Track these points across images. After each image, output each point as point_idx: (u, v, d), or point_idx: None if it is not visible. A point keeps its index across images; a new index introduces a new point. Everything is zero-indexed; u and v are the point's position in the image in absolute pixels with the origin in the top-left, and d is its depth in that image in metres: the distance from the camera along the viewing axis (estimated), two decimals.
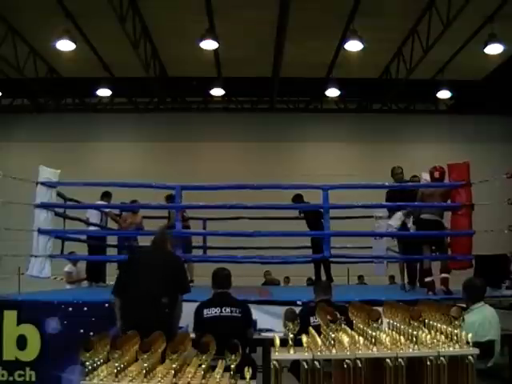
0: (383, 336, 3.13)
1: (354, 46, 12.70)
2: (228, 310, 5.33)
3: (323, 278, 8.95)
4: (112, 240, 10.41)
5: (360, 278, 14.07)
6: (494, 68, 15.43)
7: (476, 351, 3.05)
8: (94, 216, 9.90)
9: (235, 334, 4.99)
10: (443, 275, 7.43)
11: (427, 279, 7.45)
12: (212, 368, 3.18)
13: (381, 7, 12.24)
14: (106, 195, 9.96)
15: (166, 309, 4.87)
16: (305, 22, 12.72)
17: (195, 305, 5.54)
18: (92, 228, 9.84)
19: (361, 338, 3.12)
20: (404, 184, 8.45)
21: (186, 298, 6.23)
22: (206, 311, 5.35)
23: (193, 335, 4.94)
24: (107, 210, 10.14)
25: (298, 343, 3.12)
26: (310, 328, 3.60)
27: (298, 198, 9.40)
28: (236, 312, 5.35)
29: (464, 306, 5.13)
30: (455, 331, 3.10)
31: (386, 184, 8.80)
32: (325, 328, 3.27)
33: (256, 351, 5.62)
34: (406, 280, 8.62)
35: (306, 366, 2.96)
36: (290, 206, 9.27)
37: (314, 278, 10.13)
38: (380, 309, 3.60)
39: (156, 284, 4.88)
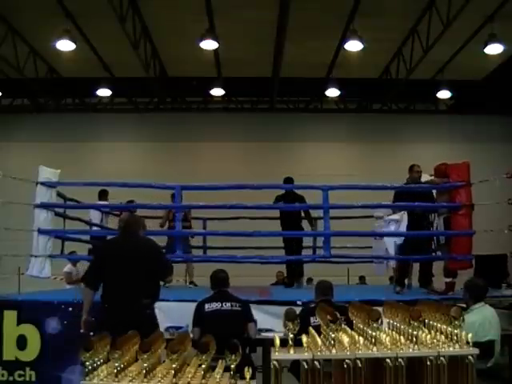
0: (383, 336, 3.14)
1: (353, 45, 12.69)
2: (228, 304, 5.49)
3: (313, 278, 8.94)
4: None
5: (361, 278, 14.04)
6: (494, 68, 15.42)
7: (476, 351, 3.05)
8: (95, 216, 9.91)
9: (236, 327, 5.10)
10: (452, 280, 7.44)
11: (448, 280, 7.45)
12: (212, 368, 3.18)
13: (381, 7, 12.24)
14: (104, 194, 9.97)
15: (147, 309, 4.82)
16: (305, 22, 12.71)
17: (195, 304, 5.57)
18: (95, 228, 9.85)
19: (361, 338, 3.12)
20: (402, 186, 8.44)
21: (186, 298, 6.27)
22: (206, 306, 5.48)
23: (190, 335, 4.97)
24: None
25: (298, 343, 3.12)
26: (310, 328, 3.61)
27: (288, 181, 9.31)
28: (236, 306, 5.49)
29: (464, 305, 5.14)
30: (455, 331, 3.10)
31: (387, 185, 8.80)
32: (325, 328, 3.27)
33: (256, 351, 5.64)
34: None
35: (305, 366, 2.96)
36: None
37: (313, 277, 10.13)
38: (380, 309, 3.61)
39: (136, 277, 4.79)
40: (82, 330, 4.89)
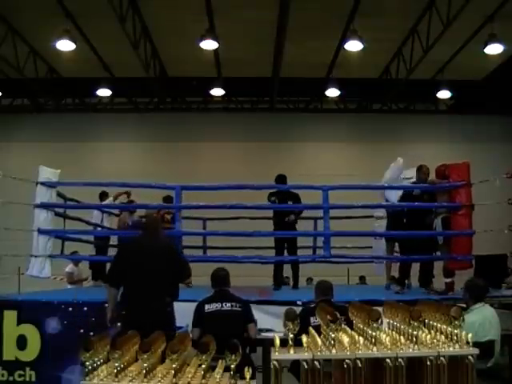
0: (383, 336, 3.14)
1: (353, 45, 12.69)
2: (228, 305, 5.46)
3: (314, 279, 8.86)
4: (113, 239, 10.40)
5: (362, 278, 14.03)
6: (494, 68, 15.42)
7: (476, 351, 3.05)
8: (98, 217, 9.93)
9: (236, 328, 5.11)
10: (450, 279, 7.45)
11: (448, 280, 7.46)
12: (212, 368, 3.18)
13: (381, 7, 12.24)
14: (106, 195, 9.98)
15: (168, 307, 4.89)
16: (305, 22, 12.71)
17: (195, 304, 5.57)
18: (97, 228, 9.88)
19: (361, 338, 3.12)
20: (401, 185, 8.44)
21: (186, 298, 6.26)
22: (207, 306, 5.47)
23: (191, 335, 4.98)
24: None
25: (298, 343, 3.12)
26: (310, 328, 3.61)
27: (280, 180, 8.98)
28: (236, 307, 5.47)
29: (464, 306, 5.14)
30: (455, 331, 3.10)
31: (386, 185, 8.80)
32: (325, 328, 3.28)
33: (256, 351, 5.64)
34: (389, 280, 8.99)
35: (306, 366, 2.96)
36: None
37: (313, 278, 10.11)
38: (380, 309, 3.61)
39: (158, 277, 4.92)
40: (109, 325, 4.99)
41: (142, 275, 4.90)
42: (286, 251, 8.88)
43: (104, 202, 10.16)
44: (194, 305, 5.63)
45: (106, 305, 5.25)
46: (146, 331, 3.30)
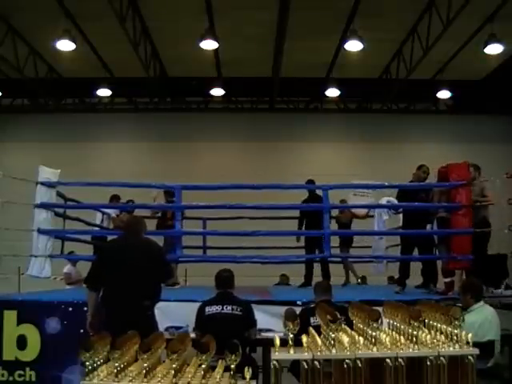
0: (383, 336, 3.14)
1: (353, 45, 12.70)
2: (229, 308, 5.36)
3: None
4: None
5: (362, 278, 13.98)
6: (494, 68, 15.42)
7: (476, 351, 3.05)
8: (99, 218, 9.93)
9: (235, 332, 5.04)
10: (449, 279, 7.46)
11: (447, 280, 7.46)
12: (212, 368, 3.18)
13: (381, 7, 12.23)
14: (117, 198, 9.94)
15: (148, 311, 4.85)
16: (305, 22, 12.71)
17: (196, 305, 5.56)
18: (96, 229, 9.87)
19: (361, 338, 3.12)
20: (401, 184, 8.45)
21: (186, 298, 6.27)
22: (207, 309, 5.39)
23: (193, 335, 4.97)
24: (113, 214, 10.11)
25: (298, 343, 3.12)
26: (310, 328, 3.61)
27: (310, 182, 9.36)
28: (237, 310, 5.38)
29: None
30: (455, 331, 3.11)
31: (386, 184, 8.81)
32: (325, 328, 3.28)
33: (256, 351, 5.63)
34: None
35: (306, 366, 2.96)
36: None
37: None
38: (380, 309, 3.61)
39: (138, 277, 4.81)
40: (90, 333, 4.89)
41: (121, 277, 4.81)
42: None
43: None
44: (193, 304, 5.61)
45: (85, 308, 5.16)
46: (126, 333, 3.26)
